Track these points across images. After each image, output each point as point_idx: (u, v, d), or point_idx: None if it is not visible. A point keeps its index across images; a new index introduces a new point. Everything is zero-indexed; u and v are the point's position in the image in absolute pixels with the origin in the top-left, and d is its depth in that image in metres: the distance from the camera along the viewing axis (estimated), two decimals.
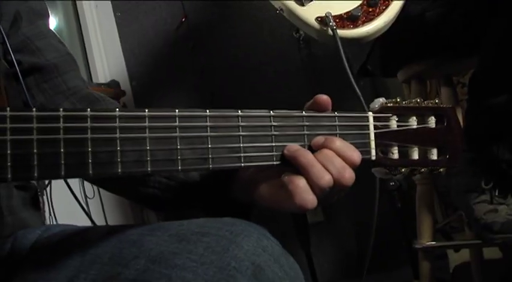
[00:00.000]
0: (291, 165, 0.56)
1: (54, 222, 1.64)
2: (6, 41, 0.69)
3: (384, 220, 1.16)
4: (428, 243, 1.47)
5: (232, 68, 2.47)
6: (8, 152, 0.42)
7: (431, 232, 1.48)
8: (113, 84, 2.50)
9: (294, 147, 0.57)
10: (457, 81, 2.06)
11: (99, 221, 2.20)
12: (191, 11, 2.56)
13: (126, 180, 0.71)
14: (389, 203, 1.75)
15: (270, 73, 2.42)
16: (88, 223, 1.04)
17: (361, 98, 0.98)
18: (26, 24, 0.78)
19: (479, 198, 1.30)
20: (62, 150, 0.45)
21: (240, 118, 0.55)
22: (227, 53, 2.51)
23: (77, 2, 2.83)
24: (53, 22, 3.01)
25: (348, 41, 1.12)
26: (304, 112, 0.60)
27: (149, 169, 0.49)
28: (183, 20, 2.56)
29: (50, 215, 1.63)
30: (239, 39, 2.47)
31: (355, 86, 1.01)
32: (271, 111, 0.58)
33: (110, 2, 2.82)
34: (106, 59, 2.71)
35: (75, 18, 2.85)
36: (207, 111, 0.53)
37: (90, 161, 0.46)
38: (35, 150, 0.44)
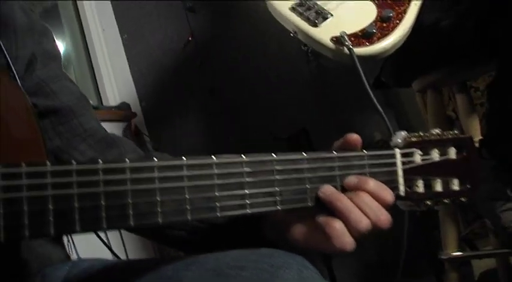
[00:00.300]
0: (326, 207, 0.56)
1: (75, 256, 1.63)
2: (20, 85, 0.69)
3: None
4: (455, 254, 1.45)
5: (242, 84, 2.47)
6: (50, 207, 0.42)
7: (457, 242, 1.46)
8: (124, 107, 2.51)
9: (328, 190, 0.57)
10: (469, 85, 2.05)
11: (119, 252, 2.18)
12: (197, 29, 2.56)
13: None
14: (409, 213, 1.73)
15: (281, 88, 2.41)
16: (108, 254, 1.03)
17: (386, 119, 0.97)
18: (40, 66, 0.78)
19: (505, 206, 1.28)
20: (102, 203, 0.45)
21: (275, 162, 0.56)
22: (236, 69, 2.51)
23: (84, 25, 2.84)
24: (60, 46, 3.03)
25: (365, 59, 1.11)
26: (335, 152, 0.60)
27: (189, 217, 0.49)
28: (190, 38, 2.56)
29: (70, 248, 1.62)
30: (247, 55, 2.46)
31: (378, 106, 1.00)
32: (304, 154, 0.58)
33: (116, 24, 2.84)
34: (115, 81, 2.72)
35: (82, 42, 2.86)
36: (244, 156, 0.53)
37: (131, 212, 0.46)
38: (76, 205, 0.43)
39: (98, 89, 2.71)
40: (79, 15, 2.89)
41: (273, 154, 0.56)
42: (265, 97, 2.44)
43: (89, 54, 2.84)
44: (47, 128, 0.77)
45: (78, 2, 2.88)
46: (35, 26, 0.78)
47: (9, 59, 0.68)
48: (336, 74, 2.26)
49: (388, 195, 0.58)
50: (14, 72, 0.68)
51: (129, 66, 2.78)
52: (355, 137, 0.61)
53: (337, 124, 2.29)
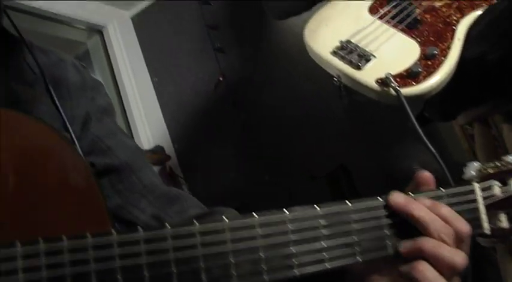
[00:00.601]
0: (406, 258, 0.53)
1: None
2: (78, 146, 0.68)
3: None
4: None
5: (275, 122, 2.44)
6: (118, 277, 0.40)
7: None
8: (158, 150, 2.51)
9: (409, 243, 0.53)
10: None
11: None
12: (228, 69, 2.57)
13: None
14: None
15: (315, 124, 2.38)
16: None
17: (436, 154, 0.93)
18: (94, 123, 0.77)
19: None
20: (174, 270, 0.42)
21: (351, 212, 0.53)
22: (268, 107, 2.49)
23: (115, 71, 2.88)
24: None
25: (412, 99, 1.07)
26: (411, 194, 0.56)
27: (266, 277, 0.47)
28: (221, 78, 2.57)
29: None
30: (279, 92, 2.45)
31: (428, 144, 0.96)
32: (379, 198, 0.54)
33: (146, 68, 2.87)
34: (148, 124, 2.73)
35: (114, 87, 2.90)
36: (318, 208, 0.51)
37: (203, 278, 0.44)
38: (146, 274, 0.41)
39: (132, 133, 2.72)
40: (110, 61, 2.93)
41: (347, 202, 0.53)
42: (300, 134, 2.41)
43: (121, 98, 2.86)
44: (106, 187, 0.75)
45: (108, 48, 2.93)
46: (87, 83, 0.78)
47: (66, 120, 0.67)
48: (370, 108, 2.22)
49: (463, 225, 0.53)
50: (71, 133, 0.67)
51: (161, 109, 2.79)
52: (427, 176, 0.57)
53: (377, 158, 2.24)
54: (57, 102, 0.67)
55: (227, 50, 2.58)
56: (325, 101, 2.36)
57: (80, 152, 0.67)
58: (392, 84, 1.05)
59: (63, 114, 0.67)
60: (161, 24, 2.79)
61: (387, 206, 0.54)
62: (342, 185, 2.12)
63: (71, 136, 0.67)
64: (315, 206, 0.51)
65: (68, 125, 0.67)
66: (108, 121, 0.80)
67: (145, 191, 0.77)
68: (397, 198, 0.53)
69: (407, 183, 0.61)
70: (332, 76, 1.22)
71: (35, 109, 0.64)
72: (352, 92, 2.00)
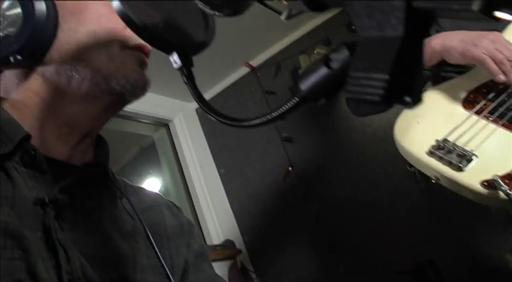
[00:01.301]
0: None
1: None
2: None
3: None
4: None
5: (349, 211, 2.35)
6: None
7: None
8: (228, 244, 2.45)
9: None
10: None
11: None
12: (297, 159, 2.54)
13: None
14: None
15: (388, 209, 2.27)
16: None
17: None
18: (192, 270, 0.74)
19: None
20: None
21: None
22: (341, 196, 2.41)
23: (182, 163, 2.91)
24: (158, 183, 3.11)
25: None
26: None
27: None
28: (290, 169, 2.53)
29: None
30: (351, 180, 2.38)
31: None
32: None
33: (212, 160, 2.89)
34: (216, 217, 2.69)
35: (181, 179, 2.91)
36: None
37: None
38: None
39: (201, 227, 2.68)
40: (176, 153, 2.97)
41: None
42: (376, 224, 2.29)
43: (188, 190, 2.86)
44: None
45: (175, 140, 2.98)
46: (183, 227, 0.76)
47: (167, 271, 0.64)
48: (448, 193, 2.10)
49: None
50: None
51: (229, 200, 2.76)
52: None
53: (462, 248, 2.08)
54: (159, 254, 0.66)
55: (295, 140, 2.56)
56: (398, 186, 2.27)
57: None
58: (502, 188, 0.96)
59: (166, 268, 0.66)
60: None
61: None
62: (429, 278, 1.96)
63: None
64: None
65: (170, 276, 0.65)
66: (204, 266, 0.78)
67: None
68: None
69: (499, 274, 0.52)
70: (403, 159, 1.15)
71: (138, 265, 0.62)
72: (427, 178, 1.88)
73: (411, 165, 2.37)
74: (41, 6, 0.58)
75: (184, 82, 0.46)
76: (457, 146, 1.06)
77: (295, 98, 0.36)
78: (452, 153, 1.05)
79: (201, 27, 0.53)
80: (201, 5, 0.42)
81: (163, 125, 3.01)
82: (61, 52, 0.61)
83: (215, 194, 2.78)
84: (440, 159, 1.06)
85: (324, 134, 2.49)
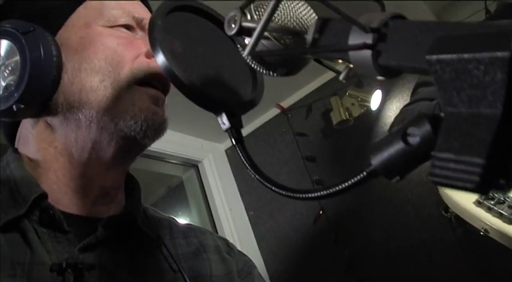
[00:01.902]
0: None
1: None
2: None
3: None
4: None
5: (379, 255, 2.27)
6: None
7: None
8: None
9: None
10: None
11: None
12: (327, 202, 2.48)
13: None
14: None
15: (422, 256, 2.17)
16: None
17: None
18: None
19: None
20: None
21: None
22: (372, 240, 2.33)
23: (210, 204, 2.87)
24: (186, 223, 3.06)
25: None
26: None
27: None
28: (320, 212, 2.47)
29: None
30: (383, 223, 2.30)
31: None
32: None
33: (241, 202, 2.85)
34: None
35: (209, 219, 2.87)
36: None
37: None
38: None
39: None
40: (205, 194, 2.94)
41: None
42: (409, 271, 2.20)
43: (217, 231, 2.81)
44: None
45: (204, 181, 2.95)
46: (232, 275, 0.70)
47: None
48: (485, 239, 2.00)
49: None
50: None
51: (258, 244, 2.70)
52: None
53: None
54: None
55: (326, 183, 2.51)
56: (432, 231, 2.18)
57: None
58: None
59: None
60: (256, 156, 2.79)
61: None
62: None
63: None
64: None
65: None
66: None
67: None
68: None
69: None
70: (438, 204, 1.09)
71: None
72: (464, 222, 1.80)
73: (447, 210, 2.29)
74: (39, 51, 0.55)
75: (233, 145, 0.43)
76: (509, 197, 1.00)
77: (364, 172, 0.32)
78: (503, 204, 1.00)
79: (250, 84, 0.50)
80: (253, 64, 0.39)
81: (192, 165, 2.99)
82: (66, 94, 0.58)
83: (244, 237, 2.72)
84: (489, 210, 1.01)
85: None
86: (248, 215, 2.80)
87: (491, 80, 0.24)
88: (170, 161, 2.83)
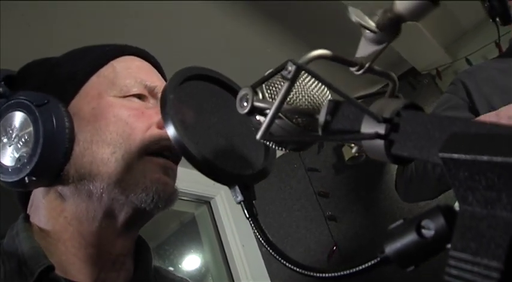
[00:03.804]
0: None
1: None
2: None
3: None
4: None
5: None
6: None
7: None
8: None
9: None
10: None
11: None
12: (341, 238, 2.45)
13: None
14: None
15: None
16: None
17: None
18: None
19: None
20: None
21: None
22: (387, 277, 2.28)
23: (223, 241, 2.85)
24: (197, 262, 3.04)
25: None
26: None
27: None
28: (334, 248, 2.44)
29: None
30: None
31: None
32: None
33: (254, 238, 2.82)
34: None
35: (222, 257, 2.85)
36: None
37: None
38: None
39: None
40: (217, 230, 2.92)
41: None
42: None
43: (230, 269, 2.78)
44: None
45: (216, 217, 2.94)
46: None
47: None
48: None
49: None
50: None
51: (271, 280, 2.66)
52: None
53: None
54: None
55: (339, 218, 2.49)
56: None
57: None
58: None
59: None
60: (269, 192, 2.79)
61: None
62: None
63: None
64: None
65: None
66: None
67: None
68: None
69: None
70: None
71: None
72: None
73: None
74: (52, 123, 0.56)
75: (246, 218, 0.43)
76: None
77: (378, 258, 0.31)
78: None
79: (261, 151, 0.50)
80: (265, 142, 0.40)
81: (205, 202, 2.98)
82: (77, 166, 0.59)
83: (257, 274, 2.69)
84: None
85: (368, 212, 2.41)
86: (261, 251, 2.77)
87: (506, 183, 0.24)
88: (182, 198, 2.82)
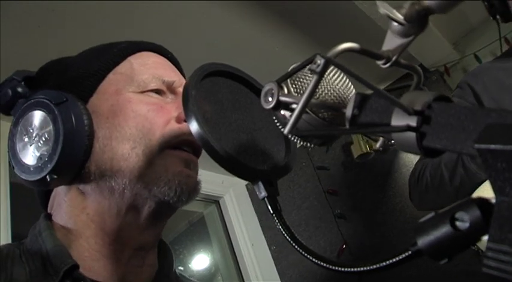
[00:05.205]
0: None
1: None
2: None
3: None
4: None
5: None
6: None
7: None
8: None
9: None
10: None
11: None
12: (350, 235, 2.44)
13: None
14: None
15: None
16: None
17: None
18: None
19: None
20: None
21: None
22: (398, 275, 2.28)
23: (232, 239, 2.85)
24: (206, 261, 3.04)
25: None
26: None
27: None
28: (344, 246, 2.44)
29: None
30: None
31: None
32: None
33: (263, 237, 2.82)
34: None
35: (231, 256, 2.85)
36: None
37: None
38: None
39: None
40: (226, 229, 2.92)
41: None
42: None
43: (239, 268, 2.79)
44: None
45: (225, 216, 2.94)
46: None
47: None
48: None
49: None
50: None
51: (281, 279, 2.66)
52: None
53: None
54: None
55: (348, 216, 2.48)
56: (460, 265, 2.13)
57: None
58: None
59: None
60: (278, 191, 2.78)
61: None
62: None
63: None
64: None
65: None
66: None
67: None
68: None
69: None
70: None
71: None
72: None
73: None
74: (71, 121, 0.56)
75: (271, 214, 0.42)
76: None
77: (409, 251, 0.31)
78: None
79: (283, 146, 0.50)
80: (289, 137, 0.39)
81: (214, 201, 2.99)
82: (97, 163, 0.59)
83: (266, 272, 2.69)
84: None
85: (377, 210, 2.40)
86: (270, 249, 2.77)
87: None
88: None
